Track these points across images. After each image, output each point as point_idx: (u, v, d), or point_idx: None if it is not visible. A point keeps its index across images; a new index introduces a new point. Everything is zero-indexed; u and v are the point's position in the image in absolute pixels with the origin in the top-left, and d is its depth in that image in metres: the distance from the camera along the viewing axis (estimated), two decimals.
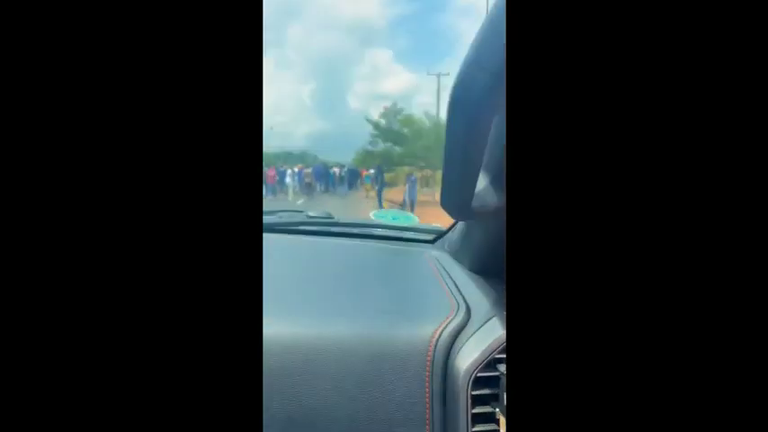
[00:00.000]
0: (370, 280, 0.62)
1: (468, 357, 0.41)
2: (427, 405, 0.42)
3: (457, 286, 0.55)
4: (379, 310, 0.48)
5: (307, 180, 13.56)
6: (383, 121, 11.90)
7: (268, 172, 13.40)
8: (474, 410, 0.40)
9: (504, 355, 0.41)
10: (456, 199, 0.37)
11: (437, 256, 0.71)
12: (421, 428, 0.42)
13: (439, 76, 16.19)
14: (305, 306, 0.50)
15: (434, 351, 0.43)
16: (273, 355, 0.43)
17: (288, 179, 13.61)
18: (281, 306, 0.48)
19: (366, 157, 16.30)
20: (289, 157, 28.65)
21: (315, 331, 0.44)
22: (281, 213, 1.07)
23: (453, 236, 0.72)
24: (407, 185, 9.18)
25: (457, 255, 0.67)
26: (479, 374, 0.40)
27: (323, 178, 15.52)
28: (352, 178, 16.64)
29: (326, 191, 15.56)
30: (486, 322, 0.45)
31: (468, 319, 0.46)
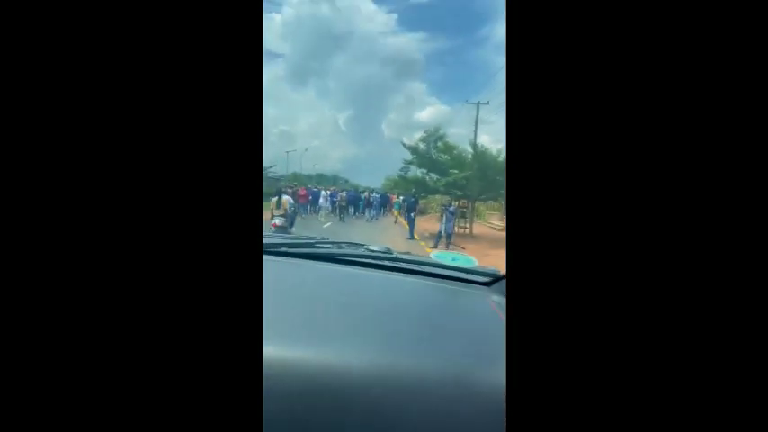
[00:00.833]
0: (440, 319, 0.64)
1: None
2: None
3: None
4: (456, 352, 0.48)
5: (342, 204, 13.81)
6: (422, 145, 11.36)
7: (299, 191, 13.81)
8: None
9: None
10: None
11: (498, 301, 0.72)
12: None
13: (478, 104, 15.82)
14: (391, 339, 0.51)
15: None
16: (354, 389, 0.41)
17: (321, 200, 13.85)
18: (366, 335, 0.50)
19: (398, 182, 15.94)
20: (321, 179, 29.63)
21: (404, 366, 0.44)
22: (342, 244, 1.12)
23: None
24: (444, 216, 8.37)
25: None
26: None
27: (354, 202, 15.48)
28: (382, 203, 16.64)
29: (355, 215, 15.51)
30: None
31: None
